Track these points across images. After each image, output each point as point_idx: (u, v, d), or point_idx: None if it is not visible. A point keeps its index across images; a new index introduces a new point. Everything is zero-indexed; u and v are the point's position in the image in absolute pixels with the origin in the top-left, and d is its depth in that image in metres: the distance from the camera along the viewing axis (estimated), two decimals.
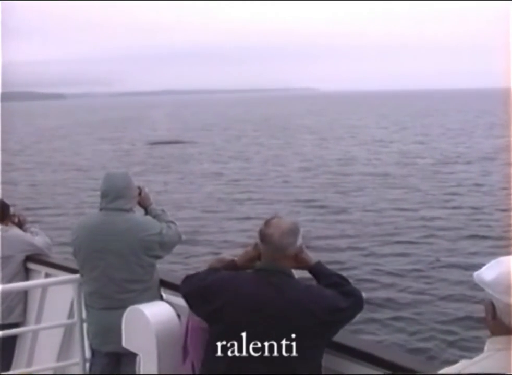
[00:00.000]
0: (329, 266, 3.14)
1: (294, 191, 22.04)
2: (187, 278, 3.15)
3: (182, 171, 28.27)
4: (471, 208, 18.02)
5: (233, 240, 14.57)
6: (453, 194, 20.54)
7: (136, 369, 3.76)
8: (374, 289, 10.95)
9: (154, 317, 3.50)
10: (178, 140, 42.89)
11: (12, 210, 5.28)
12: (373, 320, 9.56)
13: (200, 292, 2.99)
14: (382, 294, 10.88)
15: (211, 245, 14.55)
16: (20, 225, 5.29)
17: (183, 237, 4.19)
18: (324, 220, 16.94)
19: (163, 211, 4.23)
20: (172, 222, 4.13)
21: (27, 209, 18.79)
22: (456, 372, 2.02)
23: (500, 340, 1.99)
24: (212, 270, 3.12)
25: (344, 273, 3.14)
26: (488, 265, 2.05)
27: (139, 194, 4.17)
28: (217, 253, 12.28)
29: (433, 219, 16.63)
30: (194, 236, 15.22)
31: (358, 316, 2.97)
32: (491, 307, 2.01)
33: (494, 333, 2.03)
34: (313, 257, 3.07)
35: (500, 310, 1.98)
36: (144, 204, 4.21)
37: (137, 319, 3.57)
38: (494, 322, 2.01)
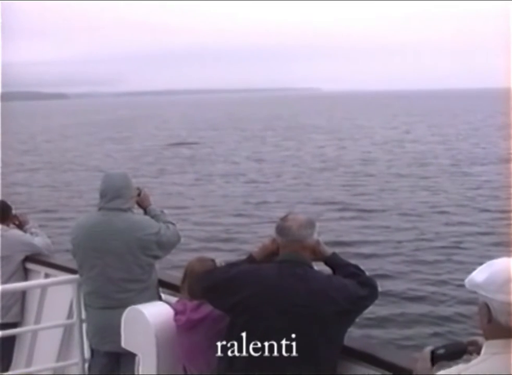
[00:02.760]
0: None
1: (315, 192, 21.74)
2: (209, 272, 3.21)
3: (198, 171, 27.99)
4: (500, 212, 17.39)
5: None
6: (480, 195, 20.19)
7: (135, 369, 3.75)
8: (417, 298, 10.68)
9: (153, 318, 3.50)
10: (193, 142, 42.59)
11: (13, 210, 5.31)
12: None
13: (224, 284, 3.04)
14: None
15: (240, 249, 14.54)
16: (21, 226, 5.31)
17: (182, 238, 4.19)
18: (352, 222, 16.72)
19: (162, 211, 4.23)
20: (171, 223, 4.14)
21: (45, 211, 18.83)
22: (456, 372, 2.02)
23: (496, 344, 1.97)
24: (233, 263, 3.20)
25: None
26: (478, 269, 2.05)
27: (139, 195, 4.18)
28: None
29: (462, 222, 16.32)
30: (228, 234, 15.33)
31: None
32: (486, 309, 1.99)
33: (490, 337, 2.01)
34: (327, 248, 3.16)
35: (495, 310, 1.96)
36: (143, 205, 4.22)
37: (137, 319, 3.56)
38: (489, 325, 1.99)
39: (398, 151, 33.90)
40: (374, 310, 9.39)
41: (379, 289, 3.07)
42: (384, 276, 11.34)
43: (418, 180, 23.42)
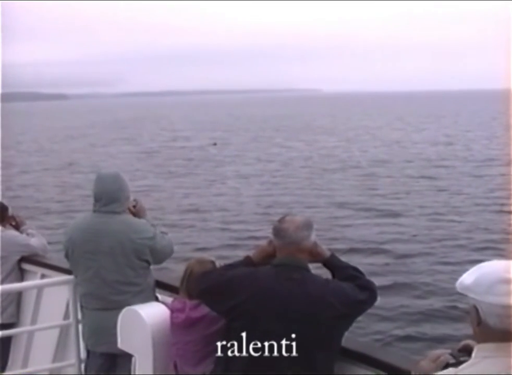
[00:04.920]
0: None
1: (330, 192, 21.49)
2: (206, 274, 3.19)
3: (209, 173, 27.64)
4: None
5: None
6: (500, 197, 19.81)
7: (132, 369, 3.74)
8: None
9: (150, 318, 3.49)
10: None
11: (10, 211, 5.31)
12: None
13: (220, 288, 3.02)
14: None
15: None
16: (18, 226, 5.31)
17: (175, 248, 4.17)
18: (374, 223, 16.52)
19: (156, 224, 4.18)
20: (165, 233, 4.12)
21: (60, 212, 18.66)
22: (454, 372, 2.00)
23: (487, 347, 1.95)
24: (230, 266, 3.18)
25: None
26: (468, 271, 2.03)
27: (134, 206, 4.15)
28: None
29: (488, 224, 16.08)
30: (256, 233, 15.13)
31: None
32: (475, 312, 1.97)
33: (480, 340, 1.99)
34: (326, 250, 3.13)
35: (484, 312, 1.94)
36: (138, 217, 4.16)
37: (133, 320, 3.55)
38: (479, 328, 1.97)
39: (409, 152, 33.64)
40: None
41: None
42: (412, 280, 11.35)
43: (435, 182, 23.19)
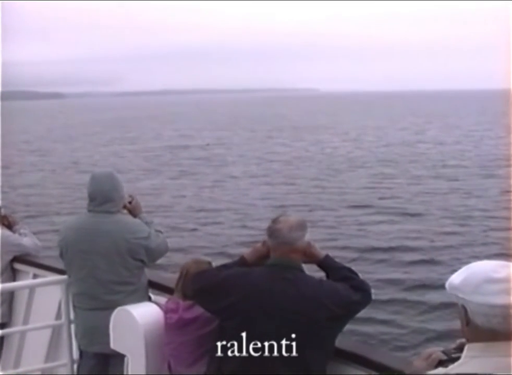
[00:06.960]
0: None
1: (344, 192, 21.23)
2: (199, 274, 3.20)
3: (214, 173, 27.29)
4: None
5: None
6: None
7: (125, 370, 3.73)
8: None
9: (142, 318, 3.50)
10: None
11: (2, 211, 5.30)
12: None
13: (213, 288, 3.03)
14: None
15: None
16: (10, 226, 5.29)
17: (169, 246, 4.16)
18: (395, 222, 16.32)
19: (151, 221, 4.19)
20: (160, 232, 4.11)
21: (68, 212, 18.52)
22: (444, 372, 2.00)
23: (475, 347, 1.95)
24: (224, 266, 3.18)
25: None
26: (457, 271, 2.03)
27: (130, 202, 4.15)
28: None
29: (506, 223, 15.55)
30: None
31: None
32: (464, 312, 1.97)
33: (470, 340, 1.99)
34: (320, 250, 3.13)
35: (472, 312, 1.95)
36: (134, 213, 4.17)
37: (126, 320, 3.55)
38: (468, 328, 1.98)
39: (415, 152, 33.45)
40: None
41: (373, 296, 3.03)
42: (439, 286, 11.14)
43: (446, 183, 22.93)
